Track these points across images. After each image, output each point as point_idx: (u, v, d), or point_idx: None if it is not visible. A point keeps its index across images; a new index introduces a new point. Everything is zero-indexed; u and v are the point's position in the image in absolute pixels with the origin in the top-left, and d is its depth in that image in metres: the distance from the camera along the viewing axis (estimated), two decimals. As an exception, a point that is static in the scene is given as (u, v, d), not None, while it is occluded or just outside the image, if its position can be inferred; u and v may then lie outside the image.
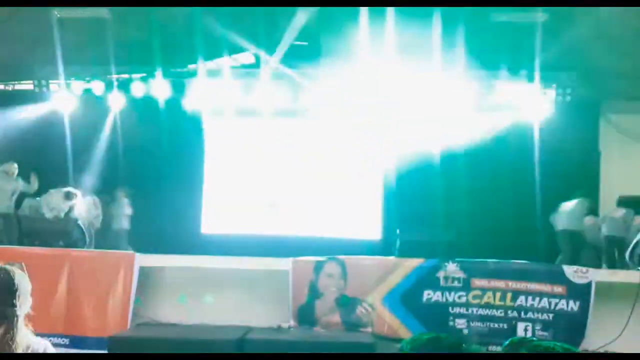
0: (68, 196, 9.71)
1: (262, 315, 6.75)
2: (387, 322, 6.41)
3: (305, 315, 6.59)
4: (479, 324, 6.52)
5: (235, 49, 10.95)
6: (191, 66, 12.15)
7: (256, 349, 5.86)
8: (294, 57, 10.45)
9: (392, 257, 6.96)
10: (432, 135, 10.07)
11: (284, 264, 6.75)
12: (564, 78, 9.88)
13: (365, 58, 9.20)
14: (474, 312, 6.51)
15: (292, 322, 6.57)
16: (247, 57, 11.81)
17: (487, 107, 10.14)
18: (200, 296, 6.89)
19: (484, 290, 6.53)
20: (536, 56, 8.58)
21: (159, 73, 11.57)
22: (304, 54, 10.36)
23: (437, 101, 9.95)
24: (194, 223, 11.46)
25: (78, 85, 11.88)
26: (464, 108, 10.05)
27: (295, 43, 10.20)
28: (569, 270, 6.63)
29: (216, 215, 11.63)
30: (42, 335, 2.76)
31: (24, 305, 2.60)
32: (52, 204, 9.55)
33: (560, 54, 8.79)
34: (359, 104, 10.39)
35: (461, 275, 6.50)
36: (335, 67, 10.12)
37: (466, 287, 6.49)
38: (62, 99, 11.86)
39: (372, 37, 8.49)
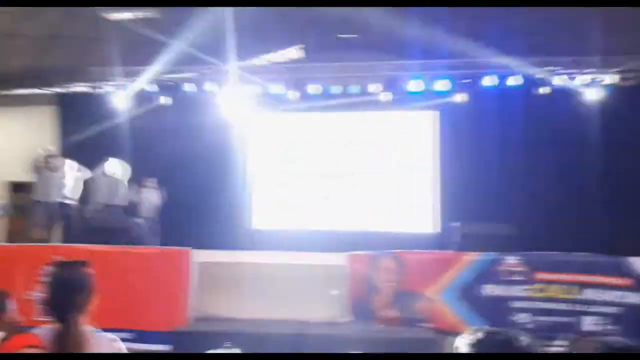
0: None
1: (318, 310, 6.71)
2: (446, 317, 6.27)
3: (362, 310, 6.52)
4: (542, 318, 6.31)
5: (282, 44, 10.96)
6: (240, 62, 12.25)
7: (313, 343, 5.84)
8: (344, 49, 10.38)
9: (450, 251, 6.80)
10: (489, 123, 9.83)
11: (340, 258, 6.69)
12: (628, 62, 9.46)
13: (416, 46, 9.03)
14: (537, 306, 6.31)
15: (348, 317, 6.51)
16: (295, 52, 11.81)
17: (549, 94, 9.83)
18: (255, 291, 6.91)
19: (547, 283, 6.31)
20: (599, 40, 8.23)
21: (208, 70, 11.72)
22: (354, 46, 10.27)
23: (496, 88, 9.71)
24: (245, 219, 11.56)
25: (131, 86, 12.19)
26: (524, 95, 9.77)
27: (344, 35, 10.12)
28: (637, 262, 6.35)
29: (268, 211, 11.69)
30: (108, 330, 2.79)
31: (87, 301, 2.63)
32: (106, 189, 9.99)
33: (623, 37, 8.41)
34: (413, 94, 10.23)
35: (523, 268, 6.30)
36: (385, 57, 10.01)
37: (528, 280, 6.29)
38: (117, 99, 12.19)
39: (423, 23, 8.29)
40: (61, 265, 2.69)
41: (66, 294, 2.57)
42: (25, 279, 6.49)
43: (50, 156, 9.44)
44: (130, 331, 6.34)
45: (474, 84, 10.02)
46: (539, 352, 2.18)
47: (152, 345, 6.22)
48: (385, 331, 6.12)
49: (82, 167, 9.77)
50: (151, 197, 10.72)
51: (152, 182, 10.80)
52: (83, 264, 2.73)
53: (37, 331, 2.58)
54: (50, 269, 2.65)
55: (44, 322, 2.64)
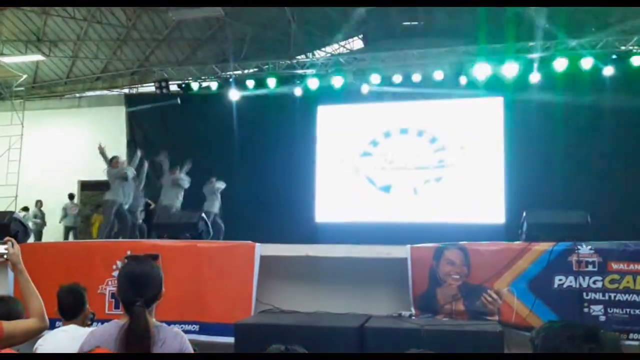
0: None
1: (381, 303, 6.65)
2: (515, 310, 6.07)
3: (427, 303, 6.40)
4: (617, 310, 6.00)
5: (343, 35, 10.94)
6: (300, 57, 12.31)
7: (376, 336, 5.80)
8: (406, 37, 10.23)
9: (518, 242, 6.58)
10: (557, 112, 9.45)
11: (402, 251, 6.60)
12: None
13: (482, 34, 8.78)
14: (612, 297, 6.01)
15: (413, 311, 6.43)
16: (356, 43, 11.75)
17: (614, 79, 9.40)
18: (318, 284, 6.93)
19: (622, 274, 5.99)
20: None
21: (270, 66, 11.83)
22: (417, 33, 10.10)
23: (562, 77, 9.34)
24: (308, 213, 11.62)
25: (195, 84, 12.47)
26: (591, 83, 9.37)
27: (406, 24, 9.98)
28: None
29: (329, 204, 11.70)
30: (175, 322, 2.84)
31: (156, 294, 2.69)
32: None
33: None
34: (477, 84, 9.97)
35: (596, 258, 6.01)
36: (448, 45, 9.78)
37: (602, 271, 5.99)
38: (182, 97, 12.52)
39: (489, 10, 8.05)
40: (132, 259, 2.76)
41: (136, 288, 2.63)
42: (99, 274, 6.75)
43: (118, 161, 9.80)
44: (195, 323, 6.52)
45: (544, 67, 9.67)
46: (618, 345, 2.07)
47: (215, 338, 6.36)
48: (450, 325, 6.00)
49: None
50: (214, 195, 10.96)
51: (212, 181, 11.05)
52: (153, 258, 2.79)
53: (107, 325, 2.66)
54: (122, 263, 2.74)
55: (115, 316, 2.73)
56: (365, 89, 10.82)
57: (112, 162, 9.75)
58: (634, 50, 9.35)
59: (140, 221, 11.30)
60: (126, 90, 14.53)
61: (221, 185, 10.95)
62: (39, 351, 3.37)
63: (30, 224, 10.95)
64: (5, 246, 2.77)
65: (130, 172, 9.81)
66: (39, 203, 13.05)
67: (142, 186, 10.94)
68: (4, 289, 6.25)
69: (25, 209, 12.88)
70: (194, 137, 12.08)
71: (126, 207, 9.76)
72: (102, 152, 9.79)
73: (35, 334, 2.81)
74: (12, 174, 12.95)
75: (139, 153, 10.24)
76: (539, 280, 6.10)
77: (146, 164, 10.52)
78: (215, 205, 10.72)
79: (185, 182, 10.54)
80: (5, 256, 2.75)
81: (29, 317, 2.77)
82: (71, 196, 13.13)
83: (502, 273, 6.22)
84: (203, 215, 9.50)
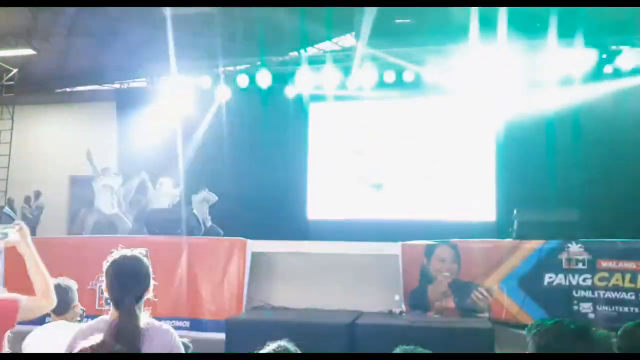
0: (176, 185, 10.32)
1: (373, 300, 6.68)
2: (505, 307, 6.11)
3: (417, 300, 6.43)
4: (606, 308, 6.05)
5: (336, 32, 10.91)
6: (293, 53, 12.28)
7: (367, 333, 5.82)
8: (398, 35, 10.21)
9: (509, 240, 6.61)
10: (547, 110, 9.48)
11: (393, 248, 6.62)
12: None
13: (474, 34, 8.78)
14: (601, 295, 6.06)
15: (403, 307, 6.45)
16: (348, 40, 11.72)
17: (607, 77, 9.44)
18: (309, 281, 6.94)
19: (611, 272, 6.04)
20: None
21: (262, 63, 11.77)
22: (408, 31, 10.09)
23: (553, 76, 9.36)
24: (300, 210, 11.60)
25: (187, 80, 12.38)
26: (581, 81, 9.39)
27: (398, 21, 9.96)
28: None
29: (322, 201, 11.69)
30: (165, 318, 2.83)
31: (146, 290, 2.67)
32: (163, 190, 10.15)
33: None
34: (469, 81, 9.97)
35: (586, 256, 6.05)
36: (440, 44, 9.80)
37: (591, 269, 6.04)
38: (173, 94, 12.44)
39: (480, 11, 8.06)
40: (121, 255, 2.73)
41: (125, 283, 2.60)
42: (88, 270, 6.72)
43: (104, 170, 9.54)
44: (186, 319, 6.50)
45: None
46: (609, 343, 2.08)
47: (206, 334, 6.35)
48: (441, 321, 6.02)
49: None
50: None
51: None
52: (142, 253, 2.76)
53: (95, 321, 2.64)
54: (110, 258, 2.71)
55: (104, 312, 2.71)
56: (356, 86, 10.78)
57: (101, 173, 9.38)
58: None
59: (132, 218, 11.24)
60: (117, 86, 14.44)
61: (212, 197, 10.70)
62: (29, 347, 3.34)
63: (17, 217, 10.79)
64: (16, 229, 2.99)
65: (115, 181, 9.51)
66: (28, 198, 12.94)
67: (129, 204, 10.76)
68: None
69: (10, 200, 12.70)
70: (184, 134, 12.01)
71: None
72: (89, 158, 9.35)
73: (43, 311, 2.99)
74: (2, 169, 12.87)
75: (142, 175, 9.99)
76: (529, 277, 6.14)
77: (148, 186, 10.21)
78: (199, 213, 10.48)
79: (176, 197, 10.35)
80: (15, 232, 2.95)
81: (35, 296, 2.93)
82: (37, 194, 12.97)
83: (492, 270, 6.25)
84: (194, 211, 9.49)
